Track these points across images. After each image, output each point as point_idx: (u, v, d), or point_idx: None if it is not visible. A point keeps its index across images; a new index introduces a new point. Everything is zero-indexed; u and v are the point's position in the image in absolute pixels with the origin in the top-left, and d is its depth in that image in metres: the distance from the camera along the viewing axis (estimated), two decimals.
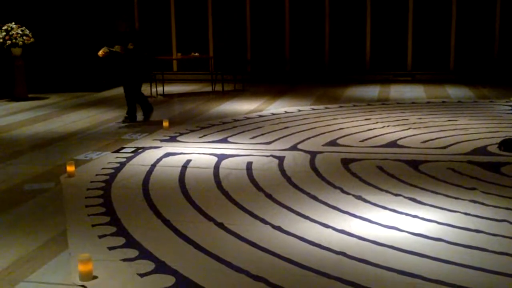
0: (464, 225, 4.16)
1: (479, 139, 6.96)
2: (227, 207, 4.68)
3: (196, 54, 12.47)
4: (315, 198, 4.84)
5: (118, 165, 6.03)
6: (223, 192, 5.06)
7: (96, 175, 5.68)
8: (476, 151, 6.38)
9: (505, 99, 10.14)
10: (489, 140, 6.84)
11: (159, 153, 6.53)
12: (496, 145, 6.55)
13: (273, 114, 9.02)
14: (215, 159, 6.20)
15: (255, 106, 9.85)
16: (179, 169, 5.84)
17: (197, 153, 6.50)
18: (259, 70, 13.89)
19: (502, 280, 3.32)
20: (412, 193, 4.91)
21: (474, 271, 3.43)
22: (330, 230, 4.12)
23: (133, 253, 3.80)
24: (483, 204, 4.61)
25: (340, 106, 9.70)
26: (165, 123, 8.00)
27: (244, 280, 3.39)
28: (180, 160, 6.21)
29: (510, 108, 9.28)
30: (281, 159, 6.15)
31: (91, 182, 5.45)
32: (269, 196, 4.91)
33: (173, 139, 7.25)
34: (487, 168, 5.69)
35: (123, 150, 6.69)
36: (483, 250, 3.72)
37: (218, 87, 12.09)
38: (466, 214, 4.39)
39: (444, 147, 6.60)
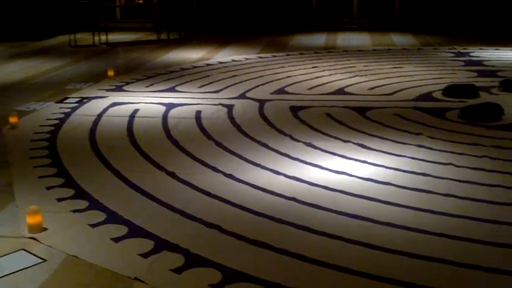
0: (411, 169, 4.26)
1: (424, 85, 7.07)
2: (177, 156, 4.64)
3: (140, 1, 12.12)
4: (265, 145, 4.85)
5: (62, 115, 5.88)
6: (172, 142, 5.01)
7: (41, 126, 5.52)
8: (421, 97, 6.50)
9: (448, 46, 10.31)
10: (434, 87, 6.96)
11: (105, 103, 6.39)
12: (441, 91, 6.68)
13: (221, 62, 8.92)
14: (163, 108, 6.11)
15: (202, 55, 9.72)
16: (127, 118, 5.74)
17: (144, 102, 6.39)
18: (205, 19, 13.66)
19: (448, 220, 3.43)
20: (361, 139, 4.98)
21: (422, 213, 3.53)
22: (281, 176, 4.16)
23: (83, 204, 3.74)
24: (429, 148, 4.72)
25: (287, 54, 9.67)
26: (110, 73, 7.81)
27: (198, 227, 3.40)
28: (127, 109, 6.09)
29: (453, 55, 9.45)
30: (230, 107, 6.11)
31: (36, 133, 5.30)
32: (219, 145, 4.89)
33: (119, 89, 7.10)
34: (432, 113, 5.81)
35: (67, 100, 6.52)
36: (430, 192, 3.83)
37: (163, 36, 11.84)
38: (413, 158, 4.49)
39: (390, 94, 6.69)
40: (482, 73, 7.81)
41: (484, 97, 6.39)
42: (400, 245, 3.13)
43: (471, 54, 9.45)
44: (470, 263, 2.94)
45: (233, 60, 9.08)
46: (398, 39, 11.53)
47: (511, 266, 2.90)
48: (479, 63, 8.65)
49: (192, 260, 3.02)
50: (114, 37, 11.97)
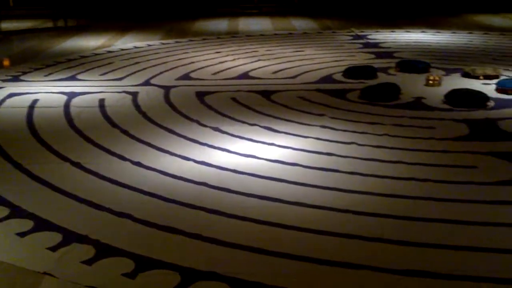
0: (317, 149, 4.37)
1: (325, 68, 7.26)
2: (82, 146, 4.52)
3: None
4: (172, 132, 4.82)
5: None
6: (76, 131, 4.87)
7: None
8: (323, 80, 6.66)
9: (346, 30, 10.61)
10: (334, 69, 7.16)
11: (1, 94, 6.10)
12: (341, 73, 6.88)
13: (122, 49, 8.74)
14: (65, 97, 5.93)
15: (102, 42, 9.48)
16: (26, 109, 5.52)
17: (44, 92, 6.16)
18: (104, 5, 13.31)
19: (355, 197, 3.55)
20: (267, 122, 5.05)
21: (329, 191, 3.64)
22: (190, 162, 4.15)
23: None
24: (332, 128, 4.86)
25: (190, 40, 9.62)
26: (6, 62, 7.47)
27: (108, 217, 3.34)
28: (26, 100, 5.85)
29: (351, 37, 9.74)
30: (134, 95, 6.02)
31: None
32: (125, 132, 4.81)
33: (15, 79, 6.80)
34: (334, 95, 5.98)
35: None
36: (335, 171, 3.95)
37: (60, 23, 11.43)
38: (317, 139, 4.61)
39: (293, 77, 6.82)
40: (379, 55, 8.12)
41: (382, 78, 6.65)
42: (309, 223, 3.22)
43: (368, 36, 9.79)
44: (377, 237, 3.06)
45: (135, 47, 8.93)
46: (299, 23, 11.74)
47: (415, 238, 3.05)
48: (376, 45, 8.97)
49: (103, 251, 2.97)
50: (7, 25, 11.43)
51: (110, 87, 6.34)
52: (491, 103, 5.55)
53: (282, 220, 3.25)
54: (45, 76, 6.95)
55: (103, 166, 4.08)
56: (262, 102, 5.71)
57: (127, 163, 4.15)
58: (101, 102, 5.75)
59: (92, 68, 7.35)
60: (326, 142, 4.53)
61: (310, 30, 10.77)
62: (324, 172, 3.94)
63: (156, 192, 3.64)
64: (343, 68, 6.99)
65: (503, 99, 5.71)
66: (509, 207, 3.40)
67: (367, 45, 8.98)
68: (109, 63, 7.65)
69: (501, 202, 3.46)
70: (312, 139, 4.61)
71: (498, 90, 5.96)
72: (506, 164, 4.05)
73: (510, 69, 7.00)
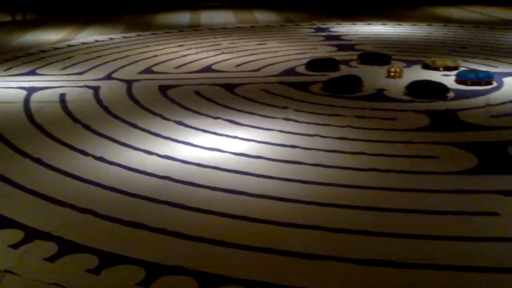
0: (281, 142, 4.39)
1: (288, 60, 7.28)
2: (43, 142, 4.45)
3: None
4: (135, 126, 4.78)
5: None
6: (37, 127, 4.79)
7: None
8: (286, 72, 6.69)
9: (309, 22, 10.65)
10: (297, 62, 7.19)
11: None
12: (304, 66, 6.91)
13: (83, 43, 8.61)
14: (24, 92, 5.82)
15: (62, 36, 9.33)
16: None
17: (3, 87, 6.04)
18: None
19: (319, 189, 3.58)
20: (230, 115, 5.05)
21: (293, 183, 3.65)
22: (154, 156, 4.12)
23: None
24: (296, 121, 4.88)
25: (153, 33, 9.54)
26: None
27: (70, 213, 3.30)
28: None
29: (314, 30, 9.79)
30: (96, 89, 5.94)
31: None
32: (87, 127, 4.75)
33: None
34: (297, 87, 6.00)
35: None
36: (299, 163, 3.97)
37: (19, 17, 11.20)
38: (281, 131, 4.63)
39: (257, 70, 6.82)
40: (341, 47, 8.17)
41: (344, 70, 6.70)
42: (274, 216, 3.23)
43: (330, 29, 9.85)
44: (341, 228, 3.09)
45: (96, 41, 8.81)
46: (261, 16, 11.74)
47: (378, 228, 3.09)
48: (338, 37, 9.04)
49: (66, 247, 2.93)
50: None
51: (71, 82, 6.25)
52: (451, 94, 5.64)
53: (247, 213, 3.26)
54: (4, 71, 6.81)
55: (65, 162, 4.03)
56: (226, 95, 5.70)
57: (90, 158, 4.10)
58: (62, 97, 5.66)
59: (52, 63, 7.23)
60: (290, 135, 4.55)
61: (272, 23, 10.78)
62: (288, 165, 3.96)
63: (119, 187, 3.61)
64: (305, 61, 7.02)
65: (462, 90, 5.82)
66: (470, 196, 3.47)
67: (329, 37, 9.04)
68: (70, 57, 7.54)
69: (462, 191, 3.53)
70: (276, 132, 4.62)
71: (458, 81, 6.07)
72: (466, 154, 4.13)
73: (469, 60, 7.13)
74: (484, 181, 3.66)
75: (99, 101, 5.53)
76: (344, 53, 7.74)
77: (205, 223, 3.19)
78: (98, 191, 3.59)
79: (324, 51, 7.92)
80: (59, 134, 4.59)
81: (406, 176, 3.76)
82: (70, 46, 8.40)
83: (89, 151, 4.22)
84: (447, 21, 10.86)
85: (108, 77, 6.48)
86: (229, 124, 4.82)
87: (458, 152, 4.17)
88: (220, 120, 4.91)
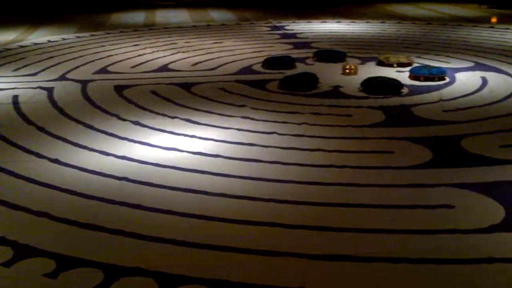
0: (239, 140, 4.40)
1: (244, 59, 7.29)
2: None
3: None
4: (91, 127, 4.72)
5: None
6: None
7: None
8: (243, 71, 6.70)
9: (264, 20, 10.69)
10: (254, 60, 7.21)
11: None
12: (260, 64, 6.93)
13: (36, 44, 8.46)
14: None
15: (14, 37, 9.14)
16: None
17: None
18: None
19: (277, 186, 3.60)
20: (188, 114, 5.03)
21: (251, 181, 3.66)
22: (110, 157, 4.08)
23: None
24: (253, 119, 4.90)
25: (107, 33, 9.43)
26: None
27: (25, 217, 3.23)
28: None
29: (269, 28, 9.82)
30: (50, 90, 5.84)
31: None
32: (41, 129, 4.67)
33: None
34: (254, 85, 6.02)
35: None
36: (257, 161, 3.98)
37: None
38: (239, 130, 4.64)
39: (213, 69, 6.81)
40: (297, 45, 8.23)
41: (301, 68, 6.75)
42: (233, 214, 3.23)
43: (286, 27, 9.90)
44: (299, 224, 3.11)
45: (49, 41, 8.67)
46: (217, 14, 11.72)
47: (336, 223, 3.12)
48: (293, 35, 9.09)
49: (22, 251, 2.88)
50: None
51: (24, 83, 6.13)
52: (405, 90, 5.74)
53: (205, 212, 3.25)
54: None
55: (19, 165, 3.95)
56: (183, 95, 5.67)
57: (45, 160, 4.03)
58: (15, 98, 5.55)
59: (4, 64, 7.09)
60: (247, 133, 4.56)
61: (228, 21, 10.77)
62: (246, 163, 3.97)
63: (75, 189, 3.56)
64: (262, 59, 7.04)
65: (416, 85, 5.92)
66: (425, 190, 3.53)
67: (285, 36, 9.08)
68: (22, 58, 7.40)
69: (417, 185, 3.59)
70: (234, 130, 4.62)
71: (411, 77, 6.18)
72: (420, 148, 4.21)
73: (422, 56, 7.26)
74: (438, 175, 3.74)
75: (53, 102, 5.44)
76: (300, 51, 7.80)
77: (164, 223, 3.17)
78: (54, 193, 3.53)
79: (280, 49, 7.96)
80: (13, 136, 4.50)
81: (362, 172, 3.81)
82: (22, 47, 8.24)
83: (43, 153, 4.15)
84: (400, 18, 11.04)
85: (62, 77, 6.38)
86: (187, 123, 4.80)
87: (412, 147, 4.25)
88: (178, 120, 4.89)
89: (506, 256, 2.77)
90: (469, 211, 3.24)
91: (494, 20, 10.68)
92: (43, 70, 6.74)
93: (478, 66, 6.72)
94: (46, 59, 7.34)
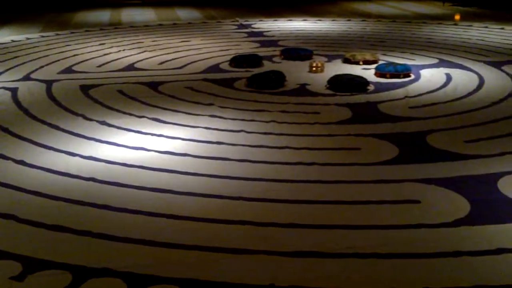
0: (207, 139, 4.39)
1: (211, 57, 7.29)
2: None
3: None
4: (57, 127, 4.66)
5: None
6: None
7: None
8: (210, 69, 6.69)
9: (231, 19, 10.68)
10: (221, 58, 7.21)
11: None
12: (228, 62, 6.93)
13: None
14: None
15: None
16: None
17: None
18: None
19: (245, 184, 3.60)
20: (155, 113, 5.01)
21: (220, 179, 3.66)
22: (77, 157, 4.03)
23: None
24: (221, 117, 4.90)
25: (72, 32, 9.32)
26: None
27: None
28: None
29: (236, 27, 9.82)
30: (14, 90, 5.75)
31: None
32: (6, 130, 4.60)
33: None
34: (221, 84, 6.02)
35: None
36: (225, 159, 3.98)
37: None
38: (207, 128, 4.63)
39: (180, 67, 6.79)
40: (264, 43, 8.25)
41: (268, 66, 6.77)
42: (202, 213, 3.23)
43: (253, 25, 9.92)
44: (268, 221, 3.12)
45: (13, 41, 8.53)
46: (183, 13, 11.68)
47: (304, 220, 3.14)
48: (260, 34, 9.11)
49: None
50: None
51: None
52: (371, 87, 5.80)
53: (174, 211, 3.24)
54: None
55: None
56: (150, 94, 5.64)
57: (9, 162, 3.97)
58: None
59: None
60: (215, 131, 4.56)
61: (195, 20, 10.74)
62: (214, 161, 3.96)
63: (41, 191, 3.51)
64: (229, 57, 7.05)
65: (382, 83, 5.99)
66: (392, 185, 3.58)
67: (251, 34, 9.10)
68: None
69: (384, 181, 3.63)
70: (201, 129, 4.62)
71: (377, 74, 6.24)
72: (387, 145, 4.26)
73: (387, 54, 7.35)
74: (405, 171, 3.79)
75: (17, 103, 5.35)
76: (267, 49, 7.82)
77: (132, 223, 3.15)
78: (19, 195, 3.47)
79: (247, 47, 7.97)
80: None
81: (330, 168, 3.84)
82: None
83: (8, 155, 4.08)
84: (365, 16, 11.14)
85: (27, 78, 6.29)
86: (154, 122, 4.78)
87: (379, 143, 4.30)
88: (145, 119, 4.86)
89: (472, 249, 2.82)
90: (435, 205, 3.29)
91: (457, 17, 10.86)
92: (7, 70, 6.64)
93: (442, 63, 6.83)
94: (10, 59, 7.22)
